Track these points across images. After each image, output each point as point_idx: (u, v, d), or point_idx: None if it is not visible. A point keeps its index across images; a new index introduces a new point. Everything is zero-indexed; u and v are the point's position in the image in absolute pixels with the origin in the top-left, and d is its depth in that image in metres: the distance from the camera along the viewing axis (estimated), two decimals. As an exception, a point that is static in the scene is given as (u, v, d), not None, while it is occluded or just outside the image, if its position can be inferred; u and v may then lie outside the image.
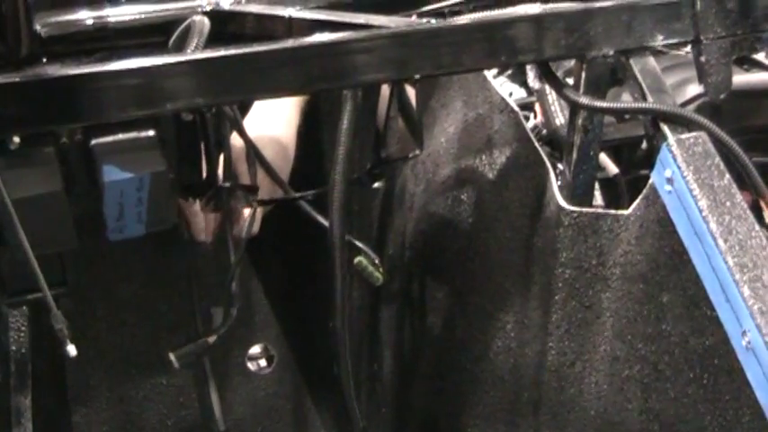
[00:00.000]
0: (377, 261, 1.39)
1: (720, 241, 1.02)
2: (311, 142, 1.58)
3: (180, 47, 1.20)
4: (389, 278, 1.51)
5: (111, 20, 1.34)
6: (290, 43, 1.12)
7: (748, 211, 1.05)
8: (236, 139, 1.45)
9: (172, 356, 1.44)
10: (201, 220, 1.44)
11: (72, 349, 1.05)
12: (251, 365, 1.74)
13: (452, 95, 1.44)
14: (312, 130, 1.58)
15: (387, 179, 1.58)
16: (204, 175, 1.20)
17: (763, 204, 1.12)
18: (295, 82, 1.12)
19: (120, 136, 1.07)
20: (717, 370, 1.03)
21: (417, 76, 1.12)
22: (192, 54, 1.13)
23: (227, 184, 1.28)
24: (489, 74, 1.43)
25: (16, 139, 1.02)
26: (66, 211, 1.07)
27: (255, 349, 1.75)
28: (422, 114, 1.37)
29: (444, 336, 1.50)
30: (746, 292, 0.99)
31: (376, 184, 1.51)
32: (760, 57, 1.50)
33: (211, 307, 1.55)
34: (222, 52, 1.08)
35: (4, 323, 1.36)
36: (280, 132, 1.55)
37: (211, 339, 1.51)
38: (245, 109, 1.54)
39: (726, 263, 1.01)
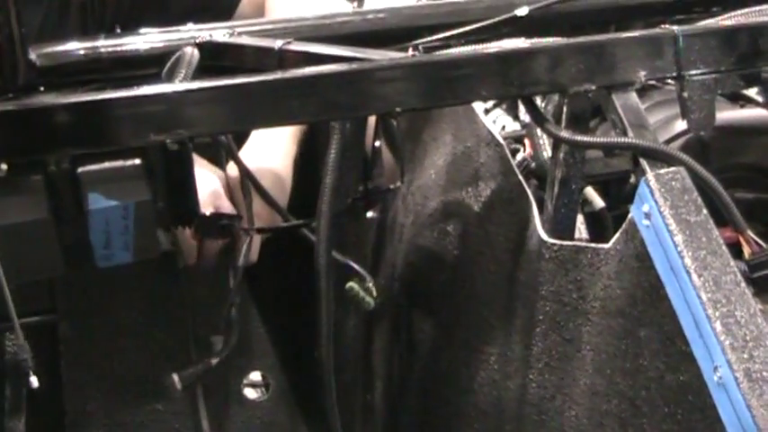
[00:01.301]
0: (370, 285, 1.38)
1: (695, 276, 1.02)
2: (308, 173, 1.59)
3: (171, 78, 1.23)
4: (381, 309, 1.52)
5: (108, 51, 1.37)
6: (277, 75, 1.14)
7: (724, 247, 1.05)
8: (233, 169, 1.47)
9: (175, 378, 1.44)
10: (193, 247, 1.46)
11: (34, 381, 1.05)
12: (250, 393, 1.75)
13: (443, 128, 1.45)
14: (308, 160, 1.60)
15: (379, 210, 1.59)
16: (191, 204, 1.21)
17: (742, 240, 1.12)
18: (280, 114, 1.13)
19: (107, 164, 1.09)
20: (691, 406, 1.03)
21: (399, 110, 1.14)
22: (177, 85, 1.15)
23: (208, 213, 1.30)
24: (482, 106, 1.45)
25: (3, 167, 1.04)
26: (52, 238, 1.08)
27: (256, 376, 1.75)
28: (405, 146, 1.39)
29: (430, 368, 1.50)
30: (719, 327, 0.99)
31: (369, 215, 1.53)
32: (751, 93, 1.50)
33: (210, 335, 1.57)
34: (207, 83, 1.10)
35: (1, 347, 1.38)
36: (276, 163, 1.57)
37: (213, 362, 1.52)
38: (241, 138, 1.56)
39: (699, 298, 1.01)
